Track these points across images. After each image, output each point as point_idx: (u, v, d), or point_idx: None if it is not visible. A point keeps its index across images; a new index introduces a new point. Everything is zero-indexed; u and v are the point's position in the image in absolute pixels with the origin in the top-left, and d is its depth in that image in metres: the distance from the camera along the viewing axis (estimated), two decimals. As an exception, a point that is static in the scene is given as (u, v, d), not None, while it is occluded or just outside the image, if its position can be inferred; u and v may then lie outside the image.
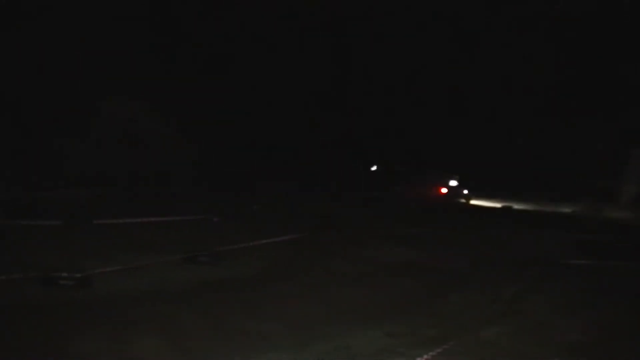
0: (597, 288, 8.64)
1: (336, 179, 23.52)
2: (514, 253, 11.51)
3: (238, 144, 22.34)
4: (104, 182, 16.00)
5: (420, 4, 24.18)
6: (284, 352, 5.13)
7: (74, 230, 10.04)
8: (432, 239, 12.63)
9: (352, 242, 11.46)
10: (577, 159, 23.69)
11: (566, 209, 22.73)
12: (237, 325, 5.84)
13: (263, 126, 23.19)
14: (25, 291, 6.48)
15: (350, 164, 27.07)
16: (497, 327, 6.27)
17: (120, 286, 6.99)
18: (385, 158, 28.01)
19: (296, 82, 24.33)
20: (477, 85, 26.21)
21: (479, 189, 25.34)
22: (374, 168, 28.53)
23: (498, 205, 24.68)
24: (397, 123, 27.48)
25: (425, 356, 5.15)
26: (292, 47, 23.88)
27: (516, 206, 24.01)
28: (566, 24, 22.73)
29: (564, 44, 23.53)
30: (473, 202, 24.65)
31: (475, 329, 6.15)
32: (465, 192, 24.24)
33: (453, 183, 23.51)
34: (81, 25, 17.78)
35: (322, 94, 25.65)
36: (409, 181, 24.31)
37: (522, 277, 9.06)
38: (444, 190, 23.15)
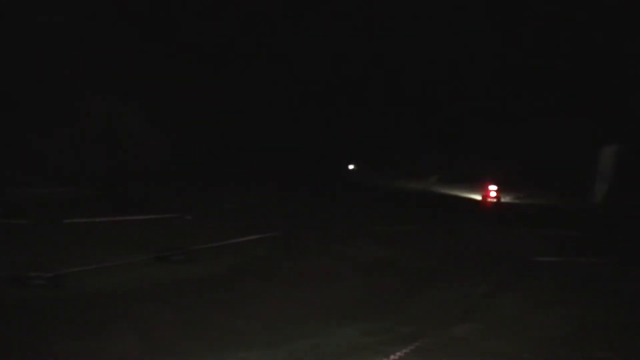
0: (568, 285, 8.81)
1: (328, 177, 23.21)
2: (488, 250, 11.59)
3: (227, 144, 22.02)
4: (79, 180, 15.72)
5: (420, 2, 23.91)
6: (260, 351, 5.14)
7: (43, 230, 9.86)
8: (414, 237, 12.59)
9: (332, 240, 11.35)
10: (566, 156, 23.76)
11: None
12: (212, 324, 5.82)
13: (253, 126, 22.90)
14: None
15: (341, 162, 26.87)
16: (470, 323, 6.37)
17: (92, 286, 6.90)
18: (368, 157, 27.68)
19: (295, 81, 24.08)
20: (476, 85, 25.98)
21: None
22: (351, 167, 28.37)
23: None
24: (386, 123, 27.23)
25: (398, 353, 5.21)
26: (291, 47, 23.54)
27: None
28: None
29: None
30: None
31: (448, 325, 6.24)
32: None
33: (493, 187, 22.52)
34: (76, 23, 17.39)
35: (321, 93, 25.37)
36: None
37: (496, 274, 9.19)
38: (493, 193, 22.18)
